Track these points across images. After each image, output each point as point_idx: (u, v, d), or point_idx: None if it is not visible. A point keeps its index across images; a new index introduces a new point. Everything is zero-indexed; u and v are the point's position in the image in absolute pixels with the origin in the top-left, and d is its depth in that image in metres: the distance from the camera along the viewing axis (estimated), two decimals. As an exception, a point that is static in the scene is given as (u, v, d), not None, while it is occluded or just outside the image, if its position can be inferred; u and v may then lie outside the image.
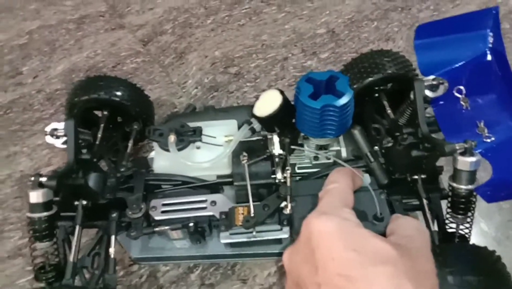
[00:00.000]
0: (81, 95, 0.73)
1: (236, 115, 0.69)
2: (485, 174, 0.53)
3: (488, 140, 0.54)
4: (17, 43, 1.15)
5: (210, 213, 0.61)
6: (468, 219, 0.56)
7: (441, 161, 0.59)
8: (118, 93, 0.74)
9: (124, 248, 0.67)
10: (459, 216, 0.55)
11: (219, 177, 0.65)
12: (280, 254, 0.65)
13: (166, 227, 0.60)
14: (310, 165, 0.66)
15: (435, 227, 0.58)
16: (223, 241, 0.57)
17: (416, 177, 0.59)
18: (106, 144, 0.73)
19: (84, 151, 0.65)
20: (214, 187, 0.65)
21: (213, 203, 0.61)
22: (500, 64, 0.58)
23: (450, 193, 0.55)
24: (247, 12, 1.20)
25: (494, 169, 0.52)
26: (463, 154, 0.51)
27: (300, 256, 0.38)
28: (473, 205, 0.55)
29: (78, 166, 0.61)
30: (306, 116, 0.56)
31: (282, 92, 0.58)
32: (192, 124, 0.66)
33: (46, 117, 0.98)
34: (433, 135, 0.56)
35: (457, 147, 0.51)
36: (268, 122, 0.59)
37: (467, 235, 0.57)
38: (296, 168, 0.66)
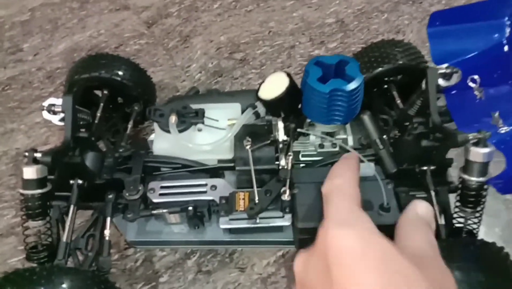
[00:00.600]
0: (81, 72, 0.71)
1: (240, 99, 0.66)
2: (498, 166, 0.51)
3: (502, 131, 0.52)
4: (19, 20, 1.13)
5: (210, 198, 0.59)
6: (477, 214, 0.54)
7: (450, 155, 0.57)
8: (120, 73, 0.72)
9: (120, 231, 0.65)
10: (468, 210, 0.53)
11: (220, 161, 0.63)
12: (280, 243, 0.63)
13: (164, 210, 0.58)
14: (315, 153, 0.64)
15: (442, 221, 0.56)
16: (223, 226, 0.55)
17: (425, 168, 0.57)
18: (105, 124, 0.71)
19: (83, 130, 0.63)
20: (214, 172, 0.63)
21: (214, 187, 0.59)
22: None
23: (460, 186, 0.53)
24: (255, -2, 1.17)
25: (508, 161, 0.50)
26: (476, 144, 0.49)
27: (315, 267, 0.34)
28: (483, 199, 0.53)
29: (75, 144, 0.58)
30: (314, 101, 0.54)
31: (289, 75, 0.56)
32: (195, 106, 0.64)
33: (45, 95, 0.96)
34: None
35: (470, 137, 0.49)
36: (274, 106, 0.57)
37: (475, 231, 0.55)
38: (300, 155, 0.64)
